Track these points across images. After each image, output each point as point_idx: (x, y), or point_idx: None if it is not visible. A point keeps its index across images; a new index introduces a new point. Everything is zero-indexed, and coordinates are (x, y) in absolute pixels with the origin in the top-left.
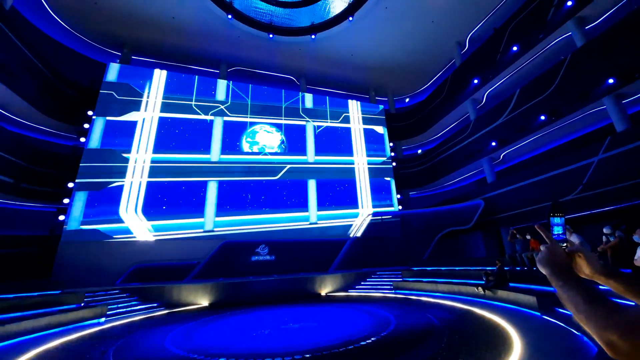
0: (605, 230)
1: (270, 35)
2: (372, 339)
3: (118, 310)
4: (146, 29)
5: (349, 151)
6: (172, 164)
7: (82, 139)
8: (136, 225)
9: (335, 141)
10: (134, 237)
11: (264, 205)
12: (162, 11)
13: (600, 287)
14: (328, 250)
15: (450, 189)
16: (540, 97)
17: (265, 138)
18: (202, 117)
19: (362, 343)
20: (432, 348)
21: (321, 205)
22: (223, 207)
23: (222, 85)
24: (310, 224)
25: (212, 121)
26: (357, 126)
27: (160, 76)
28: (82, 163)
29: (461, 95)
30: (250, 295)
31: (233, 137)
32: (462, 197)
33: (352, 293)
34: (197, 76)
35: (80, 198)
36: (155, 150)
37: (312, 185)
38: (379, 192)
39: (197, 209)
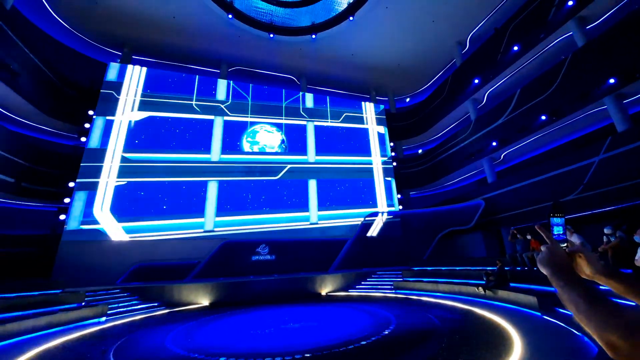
0: (606, 231)
1: (271, 35)
2: (373, 338)
3: (119, 310)
4: (147, 29)
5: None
6: (172, 164)
7: (83, 139)
8: (109, 225)
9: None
10: (135, 236)
11: (264, 205)
12: (163, 11)
13: (601, 287)
14: (328, 249)
15: (450, 189)
16: (541, 97)
17: (265, 138)
18: (202, 116)
19: (363, 343)
20: (432, 348)
21: (322, 205)
22: (223, 207)
23: (222, 85)
24: (311, 224)
25: (212, 121)
26: (372, 127)
27: (140, 73)
28: (82, 163)
29: (462, 95)
30: (250, 295)
31: (233, 136)
32: (462, 197)
33: (353, 293)
34: (197, 76)
35: (80, 198)
36: (155, 150)
37: (312, 185)
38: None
39: (198, 208)
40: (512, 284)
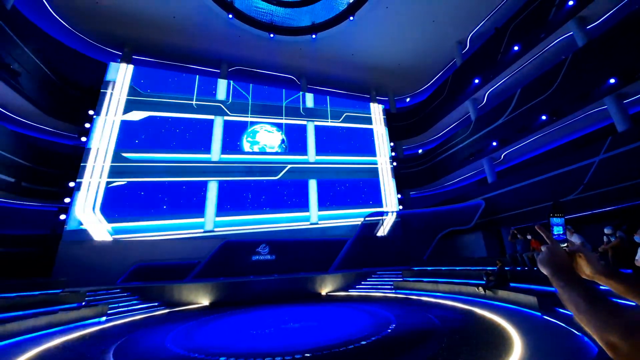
0: (606, 231)
1: (271, 35)
2: (373, 338)
3: (119, 310)
4: (147, 29)
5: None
6: (172, 163)
7: (83, 139)
8: (94, 225)
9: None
10: (135, 236)
11: (265, 205)
12: (163, 11)
13: (601, 287)
14: (328, 249)
15: (450, 189)
16: (541, 97)
17: (265, 138)
18: (202, 116)
19: (363, 343)
20: (432, 348)
21: (322, 205)
22: (223, 207)
23: (222, 84)
24: (311, 224)
25: (212, 121)
26: (381, 128)
27: (125, 71)
28: (82, 163)
29: (462, 95)
30: (250, 295)
31: (233, 136)
32: (462, 197)
33: (353, 293)
34: (197, 75)
35: (81, 198)
36: (155, 150)
37: (312, 185)
38: (380, 191)
39: (198, 208)
40: (512, 284)
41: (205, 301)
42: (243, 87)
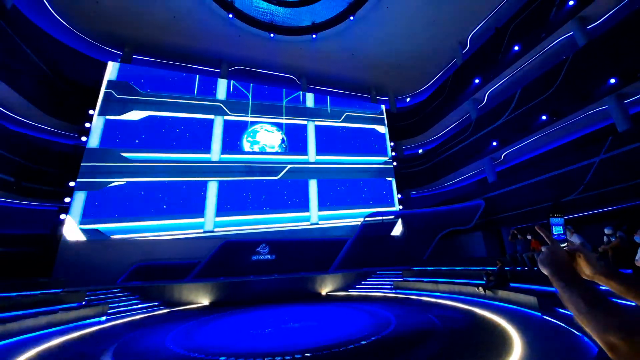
0: (606, 231)
1: (271, 35)
2: (373, 338)
3: (119, 309)
4: (147, 28)
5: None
6: (172, 163)
7: (84, 138)
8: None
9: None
10: (135, 236)
11: (265, 205)
12: (163, 10)
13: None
14: (329, 249)
15: (451, 189)
16: (541, 97)
17: (265, 137)
18: (202, 116)
19: (363, 343)
20: (432, 348)
21: (322, 205)
22: (223, 207)
23: (222, 84)
24: (311, 224)
25: (212, 120)
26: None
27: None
28: (83, 162)
29: (462, 95)
30: (250, 295)
31: (234, 136)
32: (462, 197)
33: (353, 292)
34: (198, 75)
35: (79, 198)
36: (155, 150)
37: (312, 185)
38: (380, 191)
39: (198, 208)
40: (512, 284)
41: (205, 301)
42: (243, 86)
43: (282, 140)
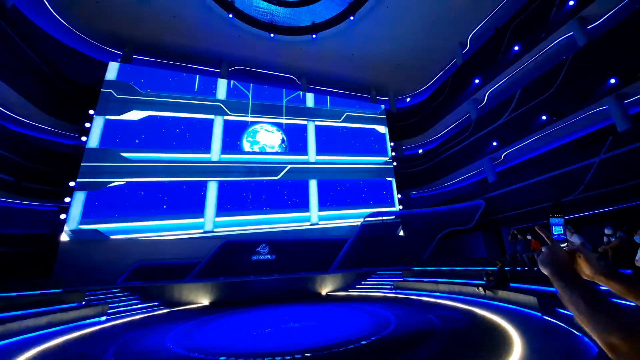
0: (606, 231)
1: (271, 35)
2: (373, 338)
3: (119, 309)
4: (147, 28)
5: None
6: (172, 163)
7: (84, 138)
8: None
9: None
10: (135, 236)
11: (265, 205)
12: (163, 10)
13: (601, 287)
14: (329, 249)
15: (451, 189)
16: (541, 97)
17: (266, 137)
18: (202, 116)
19: (363, 343)
20: (432, 348)
21: (322, 205)
22: (223, 207)
23: (222, 84)
24: (312, 224)
25: (212, 120)
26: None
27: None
28: (83, 162)
29: (462, 95)
30: (250, 295)
31: (234, 136)
32: (463, 197)
33: (353, 292)
34: (198, 75)
35: (78, 198)
36: (155, 150)
37: (313, 185)
38: (380, 191)
39: (198, 208)
40: (512, 284)
41: (205, 301)
42: (243, 86)
43: (282, 140)
